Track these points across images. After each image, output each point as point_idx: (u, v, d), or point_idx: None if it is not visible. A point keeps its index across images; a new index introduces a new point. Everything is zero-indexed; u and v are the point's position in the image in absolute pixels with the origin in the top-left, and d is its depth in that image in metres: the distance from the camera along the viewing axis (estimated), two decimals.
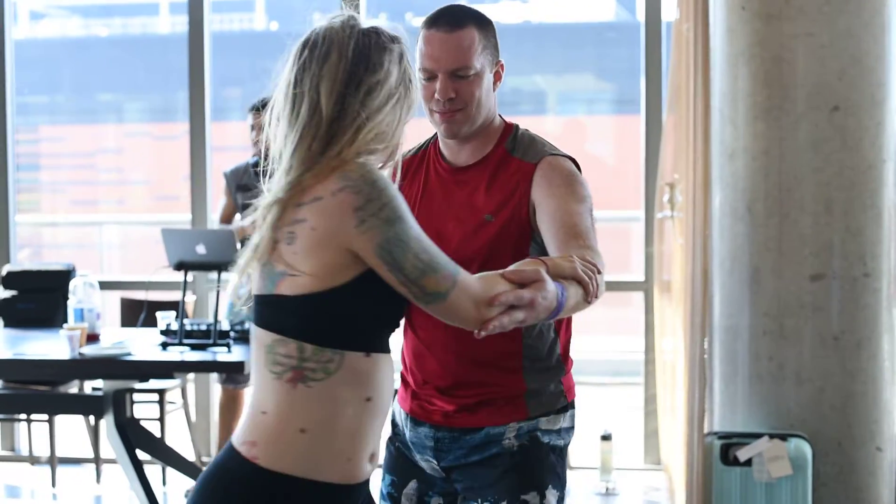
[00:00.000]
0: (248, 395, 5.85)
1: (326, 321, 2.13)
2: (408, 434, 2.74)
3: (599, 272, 2.35)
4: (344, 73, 2.18)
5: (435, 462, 2.69)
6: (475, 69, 2.55)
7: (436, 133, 2.70)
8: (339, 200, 2.09)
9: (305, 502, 2.15)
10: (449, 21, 2.56)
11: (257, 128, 5.69)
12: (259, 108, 5.65)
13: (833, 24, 4.65)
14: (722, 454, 4.64)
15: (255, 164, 5.79)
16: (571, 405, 2.73)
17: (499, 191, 2.60)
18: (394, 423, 2.81)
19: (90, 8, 12.68)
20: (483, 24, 2.60)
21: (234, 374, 5.48)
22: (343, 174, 2.11)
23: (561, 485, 2.68)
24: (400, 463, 2.77)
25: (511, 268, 2.21)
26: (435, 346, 2.65)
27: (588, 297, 2.30)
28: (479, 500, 2.63)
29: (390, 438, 2.81)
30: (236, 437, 2.20)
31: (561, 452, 2.69)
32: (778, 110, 4.70)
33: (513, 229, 2.57)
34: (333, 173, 2.12)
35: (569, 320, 2.69)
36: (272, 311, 2.16)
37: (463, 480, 2.67)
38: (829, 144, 4.66)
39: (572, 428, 2.74)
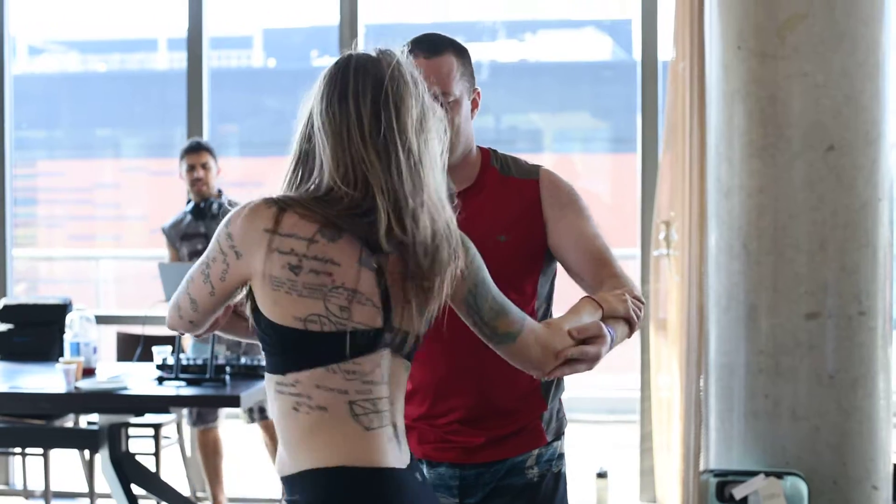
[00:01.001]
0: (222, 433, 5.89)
1: None
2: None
3: (643, 303, 2.43)
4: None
5: (457, 500, 2.67)
6: (454, 95, 2.56)
7: None
8: None
9: None
10: (428, 47, 2.57)
11: (204, 168, 5.79)
12: (201, 148, 5.77)
13: (828, 63, 4.68)
14: (718, 492, 4.63)
15: (196, 208, 5.84)
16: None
17: (506, 211, 2.61)
18: None
19: (88, 44, 12.73)
20: (460, 51, 2.61)
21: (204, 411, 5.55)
22: None
23: None
24: None
25: (570, 312, 2.31)
26: (466, 376, 2.61)
27: (631, 333, 2.40)
28: None
29: None
30: None
31: (565, 479, 2.76)
32: (773, 148, 4.73)
33: (527, 249, 2.59)
34: None
35: None
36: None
37: None
38: (823, 183, 4.68)
39: None
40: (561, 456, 2.75)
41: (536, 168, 2.67)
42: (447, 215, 2.18)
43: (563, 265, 2.63)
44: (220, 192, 5.91)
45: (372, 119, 2.13)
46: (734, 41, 4.80)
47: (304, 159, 2.18)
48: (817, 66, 4.69)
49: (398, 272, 2.14)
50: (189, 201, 5.88)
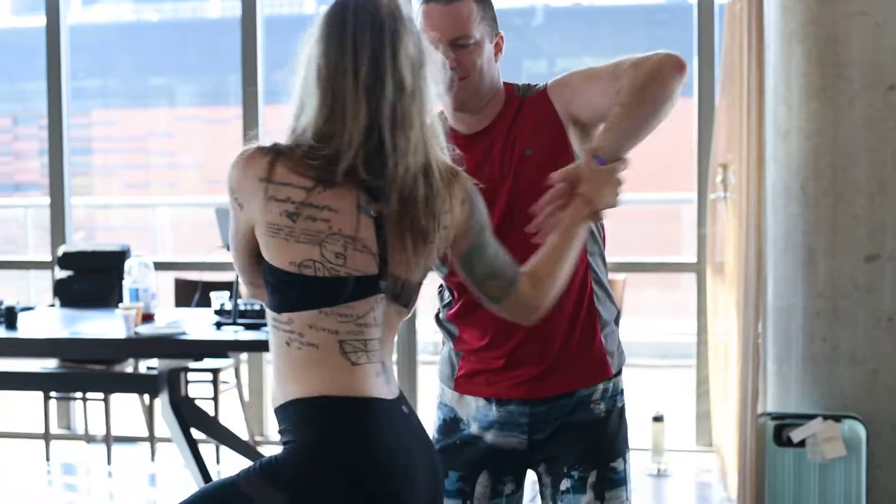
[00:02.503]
0: None
1: None
2: (491, 415, 2.71)
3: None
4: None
5: (525, 437, 2.70)
6: (475, 38, 2.58)
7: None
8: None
9: None
10: None
11: None
12: None
13: (887, 2, 4.61)
14: (775, 435, 4.62)
15: None
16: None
17: (527, 128, 2.64)
18: (449, 421, 2.78)
19: None
20: None
21: None
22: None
23: (629, 447, 2.78)
24: (466, 457, 2.75)
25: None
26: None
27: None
28: (567, 470, 2.68)
29: (446, 435, 2.77)
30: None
31: (626, 414, 2.80)
32: (832, 89, 4.67)
33: (553, 158, 2.58)
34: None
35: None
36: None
37: (551, 450, 2.70)
38: (884, 124, 4.62)
39: None
40: (622, 392, 2.77)
41: (546, 83, 2.70)
42: (435, 157, 2.21)
43: (600, 122, 2.55)
44: None
45: (369, 63, 2.15)
46: None
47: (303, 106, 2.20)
48: (877, 5, 4.62)
49: (397, 219, 2.16)
50: None
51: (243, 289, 4.74)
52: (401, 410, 2.24)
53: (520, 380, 2.68)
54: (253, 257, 2.25)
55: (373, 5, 2.18)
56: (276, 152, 2.16)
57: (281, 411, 2.21)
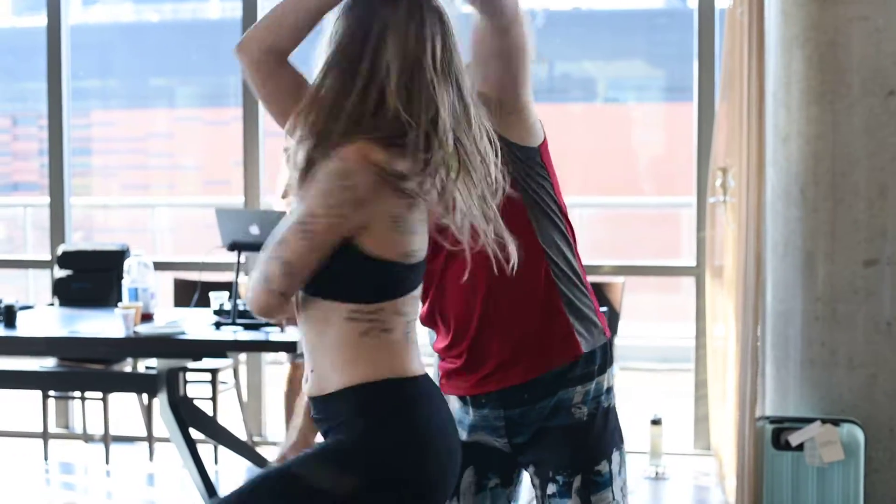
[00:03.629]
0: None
1: None
2: (468, 419, 2.70)
3: None
4: None
5: (505, 440, 2.67)
6: None
7: None
8: None
9: None
10: None
11: None
12: None
13: (888, 7, 4.62)
14: (773, 439, 4.63)
15: None
16: (607, 349, 2.70)
17: None
18: None
19: None
20: None
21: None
22: None
23: (622, 440, 2.72)
24: None
25: None
26: (469, 307, 2.63)
27: None
28: (551, 475, 2.63)
29: None
30: None
31: (616, 411, 2.73)
32: (832, 94, 4.68)
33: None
34: None
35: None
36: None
37: (535, 454, 2.66)
38: (883, 129, 4.63)
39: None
40: (609, 390, 2.68)
41: None
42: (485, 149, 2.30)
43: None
44: None
45: (442, 55, 2.22)
46: None
47: (369, 84, 2.21)
48: (877, 9, 4.63)
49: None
50: None
51: (244, 291, 4.72)
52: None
53: (482, 375, 2.64)
54: (324, 260, 2.21)
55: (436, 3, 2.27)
56: (385, 143, 2.18)
57: (337, 398, 2.24)
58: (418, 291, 2.34)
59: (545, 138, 2.66)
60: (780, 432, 4.64)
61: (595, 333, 2.65)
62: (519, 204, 2.53)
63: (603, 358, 2.67)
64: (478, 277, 2.52)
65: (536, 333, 2.60)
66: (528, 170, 2.58)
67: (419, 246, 2.26)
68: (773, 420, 4.68)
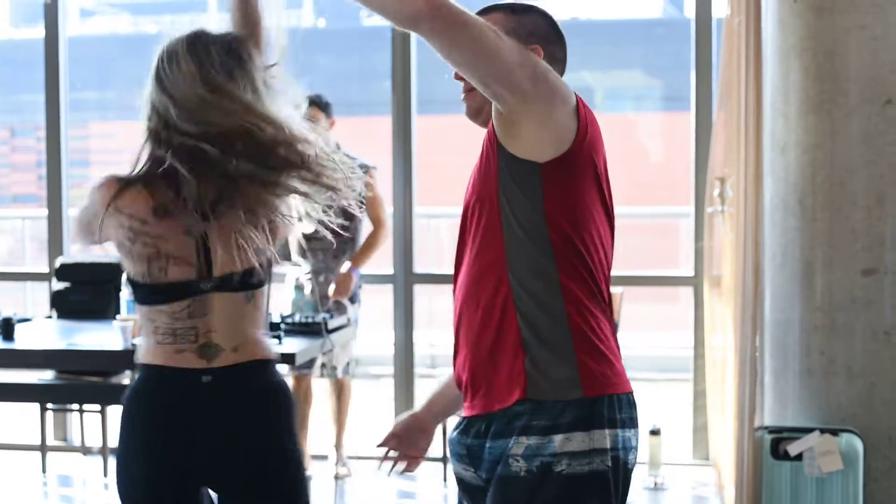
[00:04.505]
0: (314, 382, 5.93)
1: None
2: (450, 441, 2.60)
3: None
4: None
5: (472, 471, 2.50)
6: None
7: None
8: None
9: None
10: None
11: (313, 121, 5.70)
12: (310, 103, 5.59)
13: (885, 16, 4.62)
14: (772, 449, 4.62)
15: None
16: (591, 406, 2.36)
17: None
18: None
19: (139, 5, 12.80)
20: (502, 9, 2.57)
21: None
22: None
23: None
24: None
25: None
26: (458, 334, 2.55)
27: None
28: None
29: None
30: None
31: (576, 483, 2.34)
32: (830, 104, 4.68)
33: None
34: None
35: (580, 303, 2.41)
36: None
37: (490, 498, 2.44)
38: (881, 138, 4.63)
39: (609, 451, 2.37)
40: (576, 455, 2.33)
41: None
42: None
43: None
44: (337, 145, 5.85)
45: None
46: None
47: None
48: (875, 18, 4.63)
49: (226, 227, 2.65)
50: None
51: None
52: (199, 378, 2.71)
53: (462, 395, 2.55)
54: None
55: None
56: (126, 181, 2.74)
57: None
58: (169, 308, 2.68)
59: (572, 160, 2.39)
60: (778, 442, 4.63)
61: (564, 384, 2.36)
62: (496, 220, 2.42)
63: (575, 416, 2.35)
64: (456, 294, 2.49)
65: (489, 363, 2.43)
66: (515, 186, 2.39)
67: (145, 272, 2.67)
68: (771, 430, 4.68)
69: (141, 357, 2.74)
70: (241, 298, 2.70)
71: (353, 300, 5.79)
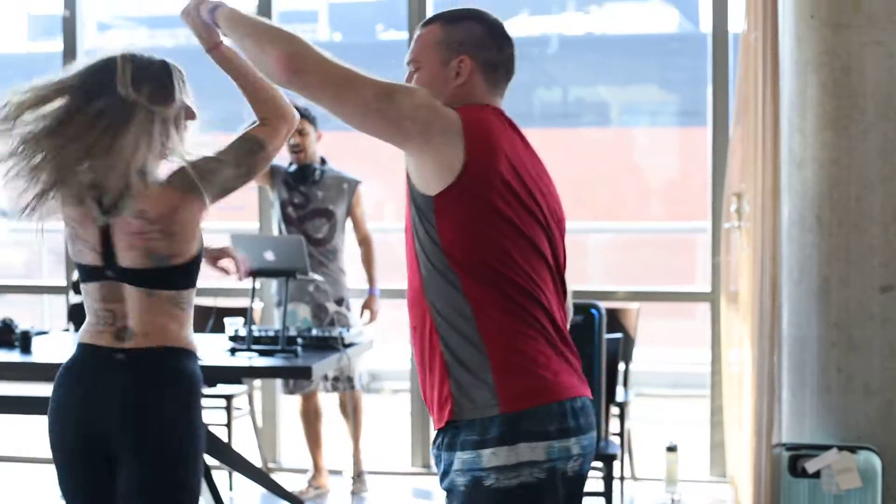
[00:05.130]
0: (322, 399, 5.93)
1: None
2: None
3: None
4: None
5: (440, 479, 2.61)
6: (417, 61, 2.64)
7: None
8: None
9: None
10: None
11: (301, 134, 5.72)
12: (303, 114, 5.60)
13: None
14: (790, 466, 4.61)
15: (298, 170, 5.80)
16: (512, 422, 2.42)
17: None
18: None
19: (156, 19, 12.82)
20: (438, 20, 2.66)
21: (300, 380, 5.54)
22: None
23: None
24: None
25: None
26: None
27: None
28: None
29: None
30: None
31: (521, 496, 2.42)
32: (847, 119, 4.68)
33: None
34: None
35: (494, 321, 2.47)
36: None
37: None
38: None
39: (541, 463, 2.43)
40: (499, 469, 2.40)
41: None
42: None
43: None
44: (322, 159, 5.87)
45: None
46: (807, 10, 4.75)
47: None
48: (892, 34, 4.63)
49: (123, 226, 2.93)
50: (290, 163, 5.83)
51: (257, 311, 4.76)
52: (113, 356, 2.99)
53: None
54: None
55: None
56: None
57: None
58: (88, 289, 3.01)
59: (464, 186, 2.44)
60: (796, 459, 4.62)
61: (484, 404, 2.43)
62: (412, 249, 2.53)
63: (500, 431, 2.41)
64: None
65: (428, 384, 2.54)
66: (421, 218, 2.48)
67: (72, 253, 3.03)
68: (789, 447, 4.66)
69: (77, 337, 3.07)
70: (144, 293, 2.97)
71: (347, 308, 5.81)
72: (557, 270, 2.56)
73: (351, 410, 5.88)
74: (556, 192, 2.64)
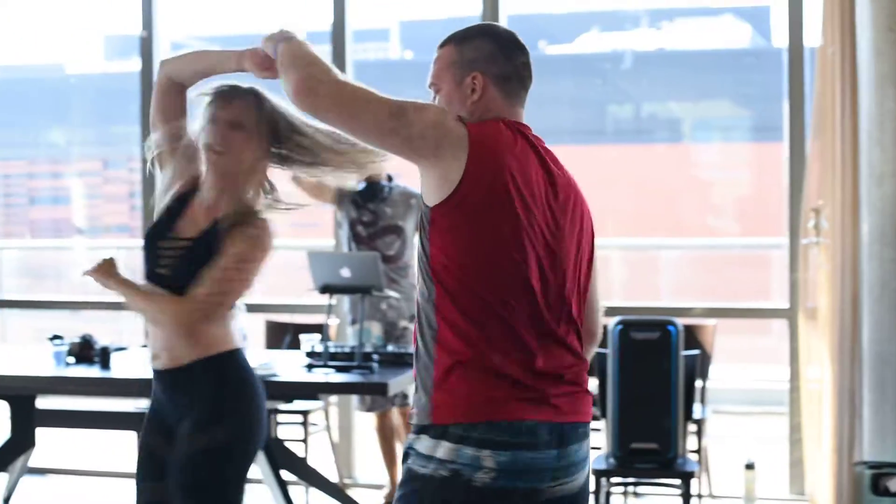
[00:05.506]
0: (395, 415, 5.94)
1: None
2: None
3: None
4: None
5: None
6: (435, 84, 2.70)
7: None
8: None
9: None
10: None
11: None
12: None
13: None
14: (872, 484, 4.55)
15: (367, 187, 5.79)
16: (444, 432, 2.52)
17: None
18: None
19: (229, 39, 12.94)
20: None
21: (377, 396, 5.55)
22: None
23: None
24: None
25: None
26: None
27: None
28: None
29: None
30: None
31: (424, 484, 2.54)
32: None
33: None
34: None
35: (449, 329, 2.54)
36: None
37: None
38: None
39: (447, 463, 2.51)
40: (417, 454, 2.55)
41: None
42: None
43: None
44: (389, 176, 5.87)
45: None
46: (885, 23, 4.71)
47: None
48: None
49: None
50: (358, 181, 5.83)
51: (332, 328, 4.77)
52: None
53: None
54: None
55: None
56: None
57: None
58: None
59: (462, 198, 2.49)
60: (878, 478, 4.55)
61: (422, 412, 2.55)
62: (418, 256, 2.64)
63: (434, 431, 2.53)
64: None
65: (420, 388, 2.62)
66: (422, 227, 2.58)
67: None
68: (871, 465, 4.60)
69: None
70: None
71: None
72: (558, 292, 2.57)
73: (400, 424, 5.89)
74: (579, 207, 2.65)
